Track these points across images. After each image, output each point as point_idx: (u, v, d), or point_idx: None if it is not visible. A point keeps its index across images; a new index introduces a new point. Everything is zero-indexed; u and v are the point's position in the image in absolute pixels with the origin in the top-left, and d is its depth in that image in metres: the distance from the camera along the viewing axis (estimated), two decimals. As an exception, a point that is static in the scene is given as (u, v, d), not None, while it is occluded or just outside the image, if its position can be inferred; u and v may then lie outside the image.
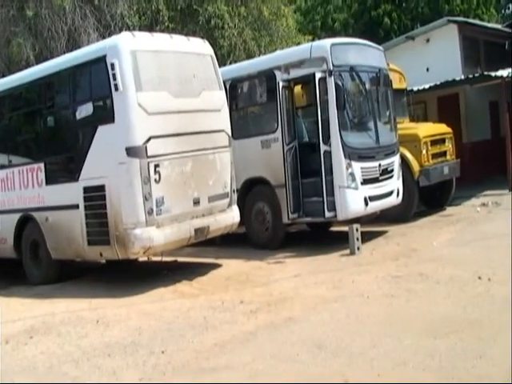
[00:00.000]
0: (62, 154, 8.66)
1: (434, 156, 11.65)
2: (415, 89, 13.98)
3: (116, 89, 7.59)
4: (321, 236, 10.95)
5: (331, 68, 9.08)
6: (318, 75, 9.13)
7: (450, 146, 12.27)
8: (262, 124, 10.37)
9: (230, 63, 14.81)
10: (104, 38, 12.72)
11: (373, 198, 9.39)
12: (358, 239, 8.72)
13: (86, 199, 7.99)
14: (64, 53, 11.71)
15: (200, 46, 8.85)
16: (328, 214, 9.15)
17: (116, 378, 4.89)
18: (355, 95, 9.84)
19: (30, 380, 5.04)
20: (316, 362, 4.74)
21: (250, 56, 15.66)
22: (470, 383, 4.08)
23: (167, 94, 8.00)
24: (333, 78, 9.06)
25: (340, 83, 9.09)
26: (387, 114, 10.41)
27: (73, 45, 14.39)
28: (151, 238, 7.59)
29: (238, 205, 8.99)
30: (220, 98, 8.82)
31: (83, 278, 8.97)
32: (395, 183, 10.01)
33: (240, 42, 16.64)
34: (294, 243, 9.99)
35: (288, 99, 9.66)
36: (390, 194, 9.84)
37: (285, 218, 9.59)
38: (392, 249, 8.87)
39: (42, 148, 9.00)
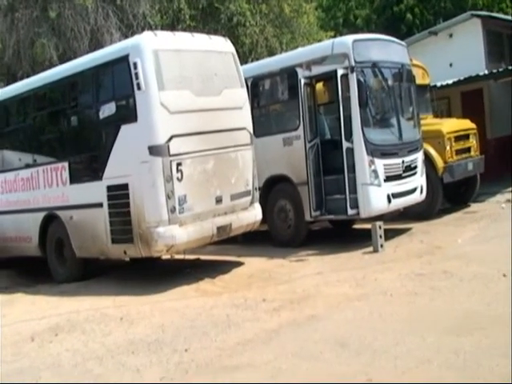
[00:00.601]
0: (86, 153, 8.75)
1: (458, 152, 11.51)
2: (438, 84, 13.83)
3: (138, 88, 7.63)
4: (343, 233, 10.90)
5: (353, 64, 9.02)
6: (340, 72, 9.08)
7: (474, 141, 12.11)
8: (283, 121, 10.35)
9: (252, 61, 14.81)
10: (126, 37, 12.79)
11: (396, 195, 9.32)
12: (381, 237, 8.65)
13: (109, 198, 8.05)
14: (87, 53, 11.78)
15: (221, 44, 8.86)
16: (351, 212, 9.10)
17: (140, 375, 4.92)
18: (378, 91, 9.76)
19: (56, 377, 5.08)
20: (339, 360, 4.71)
21: (271, 53, 15.63)
22: (493, 383, 4.03)
23: (189, 93, 8.02)
24: (355, 74, 9.00)
25: (362, 79, 9.04)
26: (410, 110, 10.31)
27: (95, 45, 14.49)
28: (174, 236, 7.62)
29: (260, 202, 8.99)
30: (241, 96, 8.82)
31: (107, 276, 9.03)
32: (419, 180, 9.91)
33: (262, 39, 16.62)
34: (317, 241, 9.95)
35: (310, 96, 9.62)
36: (413, 190, 9.75)
37: (307, 216, 9.56)
38: (415, 246, 8.78)
39: (66, 147, 9.10)
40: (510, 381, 3.97)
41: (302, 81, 9.54)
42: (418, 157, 9.94)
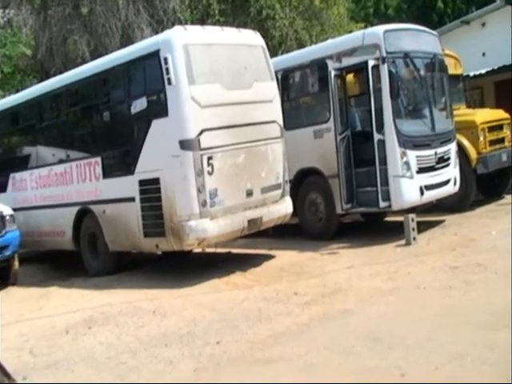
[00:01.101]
0: (118, 148, 8.84)
1: (492, 143, 11.26)
2: (471, 74, 13.57)
3: (169, 83, 7.67)
4: (375, 226, 10.79)
5: (384, 55, 8.90)
6: (371, 63, 8.96)
7: (508, 132, 11.84)
8: (314, 114, 10.27)
9: (282, 53, 14.73)
10: (157, 33, 12.85)
11: (429, 187, 9.18)
12: (413, 229, 8.54)
13: (141, 192, 8.12)
14: (118, 48, 11.89)
15: (251, 38, 8.83)
16: (382, 204, 9.00)
17: (173, 367, 4.96)
18: (409, 82, 9.62)
19: (89, 370, 5.15)
20: (371, 354, 4.66)
21: (301, 46, 15.54)
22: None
23: (219, 87, 8.02)
24: (386, 65, 8.88)
25: (394, 70, 8.92)
26: (443, 100, 10.14)
27: (126, 40, 14.63)
28: (205, 229, 7.65)
29: (290, 195, 8.96)
30: (271, 89, 8.78)
31: (139, 270, 9.12)
32: (452, 171, 9.74)
33: (291, 32, 16.55)
34: (348, 234, 9.87)
35: (340, 88, 9.53)
36: (446, 182, 9.59)
37: (338, 209, 9.50)
38: (449, 239, 8.64)
39: (99, 143, 9.21)
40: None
41: (333, 72, 9.45)
42: (451, 148, 9.77)
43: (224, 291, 7.27)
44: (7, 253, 9.12)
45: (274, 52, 14.10)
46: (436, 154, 9.36)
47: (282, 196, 8.71)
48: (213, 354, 5.12)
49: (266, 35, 13.15)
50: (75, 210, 9.40)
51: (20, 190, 10.84)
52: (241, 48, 8.54)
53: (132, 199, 8.23)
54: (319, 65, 9.87)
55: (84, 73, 9.64)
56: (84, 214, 9.29)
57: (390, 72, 8.87)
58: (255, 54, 8.71)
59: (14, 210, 9.59)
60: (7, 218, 9.21)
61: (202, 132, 7.68)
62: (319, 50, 10.40)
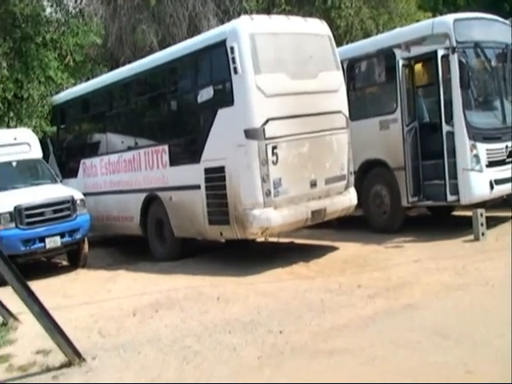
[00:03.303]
0: (185, 136, 8.98)
1: None
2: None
3: (235, 72, 7.71)
4: (442, 221, 10.52)
5: (454, 45, 8.66)
6: (441, 52, 8.74)
7: None
8: (380, 104, 10.10)
9: (347, 43, 14.52)
10: (223, 22, 12.92)
11: (499, 182, 8.88)
12: (482, 224, 8.29)
13: (206, 180, 8.22)
14: (185, 38, 12.02)
15: (317, 27, 8.75)
16: (450, 198, 8.78)
17: (236, 354, 5.01)
18: (480, 73, 9.34)
19: (155, 352, 5.26)
20: (437, 350, 4.57)
21: (367, 35, 15.25)
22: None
23: (285, 76, 8.01)
24: (456, 55, 8.63)
25: (464, 60, 8.67)
26: (515, 92, 9.76)
27: (193, 30, 14.77)
28: (269, 218, 7.68)
29: (355, 187, 8.87)
30: (337, 79, 8.70)
31: (203, 257, 9.24)
32: (524, 166, 9.39)
33: (357, 21, 16.27)
34: (414, 227, 9.64)
35: (408, 78, 9.34)
36: (517, 177, 9.25)
37: (404, 202, 9.32)
38: (519, 235, 8.35)
39: (166, 131, 9.36)
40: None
41: (400, 62, 9.26)
42: (524, 141, 9.41)
43: (287, 281, 7.28)
44: (78, 236, 9.42)
45: (339, 42, 13.82)
46: (507, 147, 9.04)
47: (347, 187, 8.64)
48: (275, 343, 5.13)
49: (331, 25, 12.91)
50: (143, 196, 9.61)
51: (90, 175, 11.19)
52: (307, 37, 8.48)
53: (197, 187, 8.34)
54: (386, 54, 9.68)
55: (152, 62, 9.82)
56: (151, 201, 9.49)
57: (460, 62, 8.63)
58: (321, 44, 8.64)
59: (84, 194, 9.89)
60: (78, 202, 9.51)
61: (267, 121, 7.70)
62: (387, 39, 10.19)
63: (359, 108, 9.98)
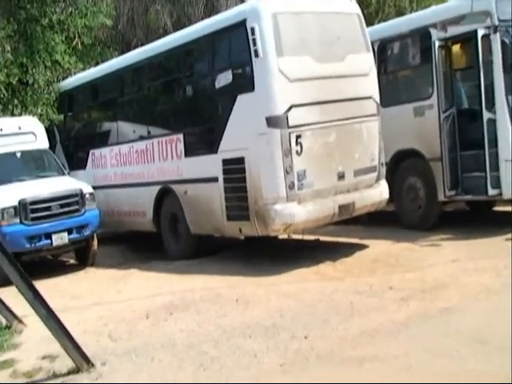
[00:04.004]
0: (201, 124, 8.99)
1: None
2: None
3: (256, 55, 7.70)
4: (482, 216, 10.41)
5: (496, 23, 8.52)
6: (481, 32, 8.60)
7: None
8: (414, 89, 10.03)
9: (379, 22, 14.40)
10: (242, 1, 12.87)
11: (545, 175, 8.75)
12: (526, 221, 8.20)
13: (225, 172, 8.23)
14: (202, 19, 12.02)
15: (345, 5, 8.69)
16: (491, 192, 8.66)
17: (257, 360, 5.00)
18: (525, 54, 9.18)
19: (170, 357, 5.27)
20: (477, 358, 4.53)
21: (400, 14, 15.13)
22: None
23: (310, 59, 7.97)
24: (498, 34, 8.50)
25: (507, 41, 8.54)
26: None
27: (211, 10, 14.76)
28: (292, 214, 7.66)
29: (386, 179, 8.81)
30: (367, 62, 8.64)
31: (220, 255, 9.26)
32: None
33: (390, -2, 16.16)
34: (451, 224, 9.56)
35: (445, 60, 9.22)
36: None
37: (440, 196, 9.23)
38: None
39: (181, 119, 9.39)
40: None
41: (437, 43, 9.15)
42: None
43: (312, 282, 7.26)
44: (86, 232, 9.49)
45: (370, 21, 13.76)
46: (555, 136, 8.90)
47: (377, 180, 8.60)
48: (300, 349, 5.11)
49: (361, 2, 12.85)
50: (156, 189, 9.65)
51: (99, 167, 11.27)
52: (334, 16, 8.44)
53: (215, 179, 8.35)
54: (421, 34, 9.60)
55: (166, 45, 9.85)
56: (165, 194, 9.53)
57: (502, 42, 8.51)
58: (349, 23, 8.59)
59: (93, 188, 9.95)
60: (87, 196, 9.57)
61: (290, 108, 7.67)
62: (422, 18, 10.10)
63: (391, 93, 9.91)
